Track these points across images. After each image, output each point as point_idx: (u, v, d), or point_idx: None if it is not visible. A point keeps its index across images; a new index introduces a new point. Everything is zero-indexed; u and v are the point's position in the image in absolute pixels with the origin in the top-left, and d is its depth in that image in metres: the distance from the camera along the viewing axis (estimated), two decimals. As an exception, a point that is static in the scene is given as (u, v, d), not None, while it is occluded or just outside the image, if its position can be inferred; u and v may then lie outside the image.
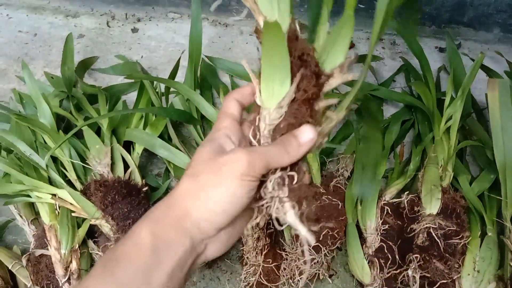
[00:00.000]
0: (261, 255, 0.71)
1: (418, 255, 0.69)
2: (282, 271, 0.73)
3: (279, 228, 0.40)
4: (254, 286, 0.73)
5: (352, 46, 1.29)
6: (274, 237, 0.76)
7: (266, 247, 0.72)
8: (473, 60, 1.07)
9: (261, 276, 0.72)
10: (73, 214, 0.75)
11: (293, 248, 0.74)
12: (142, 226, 0.38)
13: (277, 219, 0.40)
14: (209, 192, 0.37)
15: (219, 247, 0.41)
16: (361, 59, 1.08)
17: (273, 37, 0.39)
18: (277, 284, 0.73)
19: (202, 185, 0.38)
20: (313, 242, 0.39)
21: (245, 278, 0.73)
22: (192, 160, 0.40)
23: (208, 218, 0.38)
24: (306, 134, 0.40)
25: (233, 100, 0.44)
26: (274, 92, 0.42)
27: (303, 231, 0.39)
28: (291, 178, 0.41)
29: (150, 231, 0.37)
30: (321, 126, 0.43)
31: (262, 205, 0.41)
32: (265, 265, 0.71)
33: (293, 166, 0.42)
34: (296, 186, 0.41)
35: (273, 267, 0.72)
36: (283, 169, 0.41)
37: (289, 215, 0.39)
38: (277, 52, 0.40)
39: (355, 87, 0.43)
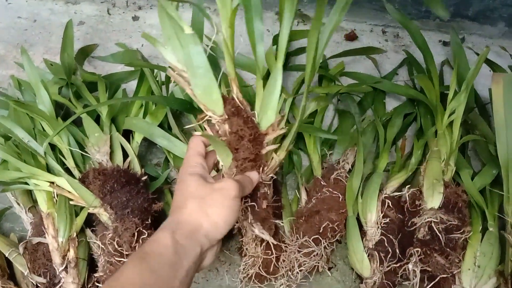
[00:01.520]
0: (260, 246, 0.71)
1: (419, 249, 0.69)
2: (281, 262, 0.73)
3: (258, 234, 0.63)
4: (253, 277, 0.72)
5: (355, 38, 1.27)
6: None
7: (265, 238, 0.72)
8: (477, 54, 1.06)
9: (260, 267, 0.71)
10: (71, 202, 0.74)
11: (292, 240, 0.74)
12: (164, 233, 0.48)
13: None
14: (215, 209, 0.50)
15: (211, 258, 0.52)
16: (362, 50, 1.07)
17: (210, 139, 0.57)
18: (276, 275, 0.73)
19: (209, 205, 0.51)
20: (272, 240, 0.65)
21: (244, 269, 0.73)
22: (187, 187, 0.53)
23: (215, 229, 0.50)
24: (254, 176, 0.59)
25: (199, 141, 0.58)
26: (224, 159, 0.59)
27: (266, 238, 0.63)
28: (252, 206, 0.61)
29: (172, 237, 0.47)
30: (269, 166, 0.62)
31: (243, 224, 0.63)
32: (264, 256, 0.71)
33: (252, 197, 0.61)
34: (257, 211, 0.61)
35: (272, 259, 0.72)
36: (246, 202, 0.60)
37: (255, 231, 0.62)
38: (216, 143, 0.57)
39: (288, 138, 0.60)
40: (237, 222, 0.64)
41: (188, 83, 0.55)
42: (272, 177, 0.63)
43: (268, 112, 0.59)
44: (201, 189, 0.52)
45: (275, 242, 0.65)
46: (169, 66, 0.56)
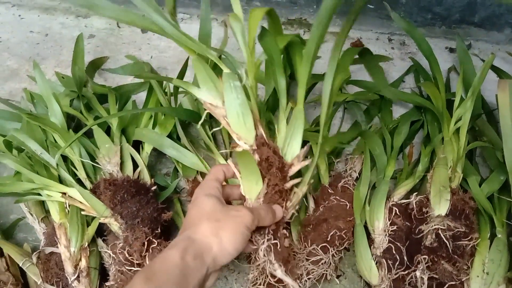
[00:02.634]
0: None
1: (426, 256, 0.69)
2: (289, 271, 0.73)
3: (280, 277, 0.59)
4: (262, 285, 0.72)
5: (361, 45, 1.29)
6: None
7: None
8: (483, 60, 1.06)
9: (269, 276, 0.71)
10: (82, 213, 0.76)
11: (300, 248, 0.74)
12: (173, 251, 0.49)
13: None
14: (228, 234, 0.51)
15: (212, 281, 0.53)
16: (369, 58, 1.08)
17: (244, 158, 0.58)
18: (285, 284, 0.73)
19: (222, 228, 0.52)
20: (296, 286, 0.60)
21: (252, 277, 0.73)
22: (204, 207, 0.55)
23: (223, 254, 0.51)
24: (278, 210, 0.59)
25: (221, 169, 0.60)
26: (252, 189, 0.59)
27: (289, 281, 0.58)
28: (275, 245, 0.58)
29: (180, 257, 0.48)
30: (291, 201, 0.61)
31: (259, 265, 0.59)
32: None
33: (275, 234, 0.59)
34: (279, 250, 0.58)
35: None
36: (269, 239, 0.58)
37: (277, 273, 0.58)
38: (249, 166, 0.58)
39: (308, 172, 0.60)
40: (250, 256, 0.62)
41: (222, 116, 0.61)
42: (293, 213, 0.63)
43: (293, 143, 0.62)
44: (217, 212, 0.54)
45: (297, 287, 0.61)
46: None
